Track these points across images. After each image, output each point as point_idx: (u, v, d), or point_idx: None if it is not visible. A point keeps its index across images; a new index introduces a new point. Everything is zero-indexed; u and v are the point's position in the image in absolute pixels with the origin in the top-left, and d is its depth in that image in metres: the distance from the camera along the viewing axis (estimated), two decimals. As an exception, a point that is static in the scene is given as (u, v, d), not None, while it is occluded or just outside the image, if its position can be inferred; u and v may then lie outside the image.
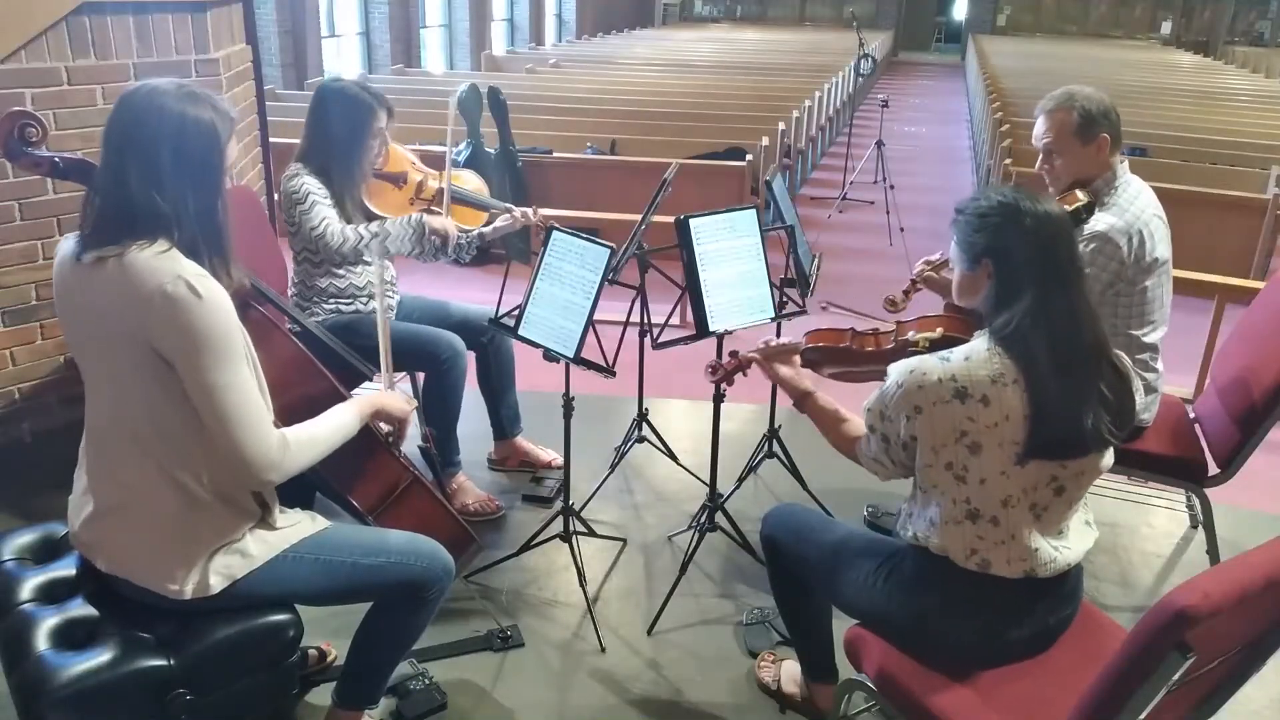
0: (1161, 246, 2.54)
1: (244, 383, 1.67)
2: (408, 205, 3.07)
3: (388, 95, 2.96)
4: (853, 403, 2.06)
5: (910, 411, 1.73)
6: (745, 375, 2.28)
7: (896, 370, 1.77)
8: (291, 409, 1.92)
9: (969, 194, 1.86)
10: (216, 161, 1.69)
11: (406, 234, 2.84)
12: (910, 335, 1.89)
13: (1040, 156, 2.62)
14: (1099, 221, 2.49)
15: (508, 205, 3.14)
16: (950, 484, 1.75)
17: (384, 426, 2.10)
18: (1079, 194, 2.50)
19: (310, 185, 2.80)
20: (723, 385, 2.36)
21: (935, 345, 1.82)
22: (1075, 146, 2.55)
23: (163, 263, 1.61)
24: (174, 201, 1.63)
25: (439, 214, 2.99)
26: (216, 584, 1.74)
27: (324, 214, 2.78)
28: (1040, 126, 2.60)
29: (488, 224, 3.12)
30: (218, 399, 1.63)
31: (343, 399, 2.17)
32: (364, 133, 2.84)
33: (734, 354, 2.26)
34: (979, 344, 1.73)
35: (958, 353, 1.73)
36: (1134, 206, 2.52)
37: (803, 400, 2.12)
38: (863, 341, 2.01)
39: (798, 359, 2.19)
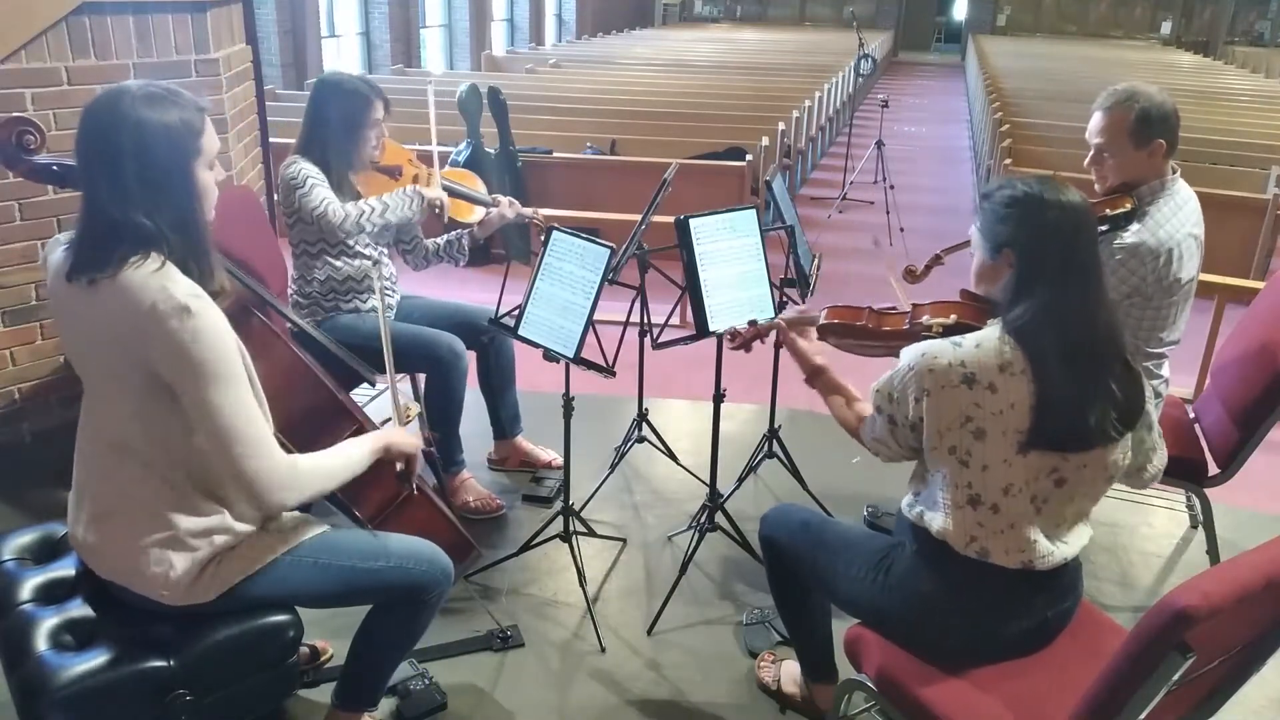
0: (1189, 266, 2.43)
1: (244, 403, 1.64)
2: None
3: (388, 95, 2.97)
4: (860, 382, 2.06)
5: (919, 394, 1.75)
6: (763, 342, 2.33)
7: (909, 353, 1.79)
8: (290, 418, 1.91)
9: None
10: (185, 165, 1.64)
11: (405, 202, 2.93)
12: (924, 319, 1.92)
13: (1090, 153, 2.51)
14: (1133, 234, 2.39)
15: (494, 197, 3.17)
16: (954, 468, 1.76)
17: (398, 465, 2.05)
18: (1126, 200, 2.41)
19: (309, 170, 2.85)
20: (741, 351, 2.39)
21: (948, 331, 1.86)
22: (1128, 149, 2.42)
23: (155, 282, 1.58)
24: (150, 215, 1.59)
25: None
26: (214, 589, 1.74)
27: (324, 194, 2.83)
28: (1095, 123, 2.46)
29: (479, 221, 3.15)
30: (216, 419, 1.61)
31: (341, 408, 2.18)
32: (361, 123, 2.89)
33: (753, 322, 2.32)
34: (991, 332, 1.75)
35: (969, 339, 1.75)
36: (1171, 223, 2.40)
37: (814, 375, 2.16)
38: (879, 321, 2.04)
39: (814, 332, 2.21)
